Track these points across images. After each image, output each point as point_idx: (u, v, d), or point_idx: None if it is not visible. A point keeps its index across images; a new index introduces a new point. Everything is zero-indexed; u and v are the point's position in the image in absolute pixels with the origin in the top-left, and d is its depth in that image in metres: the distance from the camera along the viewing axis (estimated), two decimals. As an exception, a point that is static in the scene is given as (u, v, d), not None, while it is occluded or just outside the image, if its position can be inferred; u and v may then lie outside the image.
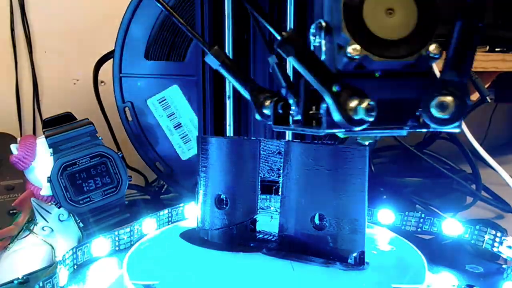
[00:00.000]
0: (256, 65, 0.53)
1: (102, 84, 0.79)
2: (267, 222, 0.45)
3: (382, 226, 0.48)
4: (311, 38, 0.28)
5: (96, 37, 0.81)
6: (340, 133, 0.28)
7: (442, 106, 0.26)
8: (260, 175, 0.42)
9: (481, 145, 0.67)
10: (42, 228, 0.50)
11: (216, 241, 0.42)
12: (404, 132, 0.29)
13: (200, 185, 0.43)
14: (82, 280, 0.36)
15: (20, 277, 0.36)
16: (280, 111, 0.32)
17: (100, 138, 0.52)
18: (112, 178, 0.52)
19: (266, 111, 0.34)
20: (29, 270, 0.38)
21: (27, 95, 0.80)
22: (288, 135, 0.51)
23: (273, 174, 0.42)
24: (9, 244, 0.49)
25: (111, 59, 0.64)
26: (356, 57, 0.25)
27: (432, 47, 0.26)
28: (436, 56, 0.26)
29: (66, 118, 0.53)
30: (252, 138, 0.47)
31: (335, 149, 0.37)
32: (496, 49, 0.89)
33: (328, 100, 0.26)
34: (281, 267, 0.37)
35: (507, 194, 0.73)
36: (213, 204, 0.42)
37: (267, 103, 0.34)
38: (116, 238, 0.42)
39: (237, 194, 0.42)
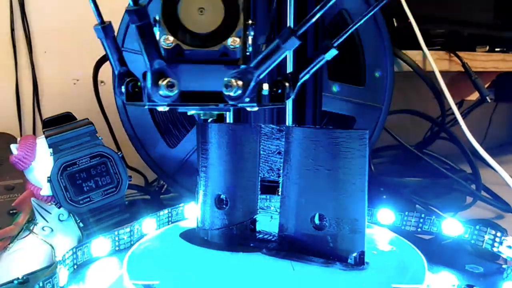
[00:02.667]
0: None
1: (102, 84, 0.79)
2: (267, 222, 0.45)
3: (382, 226, 0.47)
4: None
5: (96, 37, 0.81)
6: (162, 106, 0.33)
7: (228, 86, 0.32)
8: (260, 175, 0.42)
9: (481, 145, 0.67)
10: (42, 228, 0.50)
11: (216, 241, 0.42)
12: (224, 109, 0.36)
13: (200, 185, 0.43)
14: (82, 280, 0.36)
15: (20, 277, 0.36)
16: (130, 90, 0.36)
17: (100, 138, 0.52)
18: (112, 178, 0.52)
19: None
20: (29, 270, 0.38)
21: (27, 95, 0.80)
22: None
23: (273, 174, 0.42)
24: (9, 244, 0.49)
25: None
26: (169, 45, 0.31)
27: (231, 40, 0.32)
28: (236, 47, 0.32)
29: (66, 118, 0.53)
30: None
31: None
32: (496, 49, 0.89)
33: (148, 75, 0.32)
34: (281, 267, 0.37)
35: (507, 194, 0.73)
36: (213, 204, 0.42)
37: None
38: (116, 238, 0.42)
39: (237, 194, 0.42)
